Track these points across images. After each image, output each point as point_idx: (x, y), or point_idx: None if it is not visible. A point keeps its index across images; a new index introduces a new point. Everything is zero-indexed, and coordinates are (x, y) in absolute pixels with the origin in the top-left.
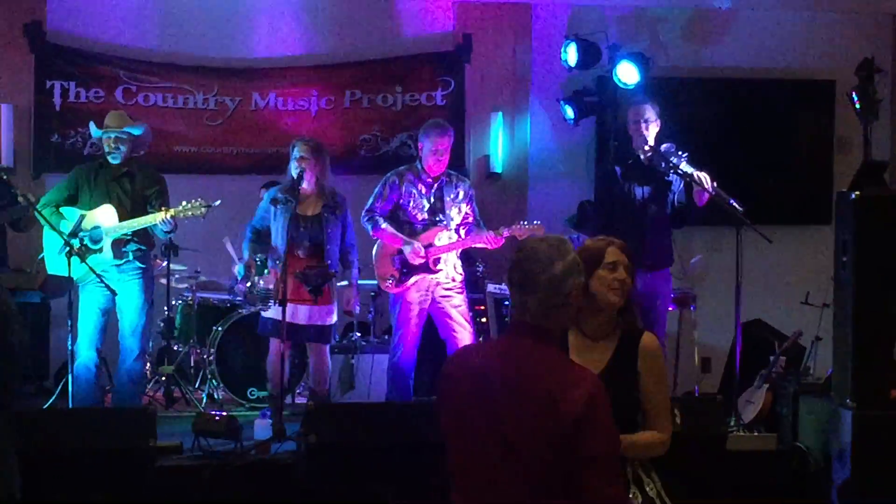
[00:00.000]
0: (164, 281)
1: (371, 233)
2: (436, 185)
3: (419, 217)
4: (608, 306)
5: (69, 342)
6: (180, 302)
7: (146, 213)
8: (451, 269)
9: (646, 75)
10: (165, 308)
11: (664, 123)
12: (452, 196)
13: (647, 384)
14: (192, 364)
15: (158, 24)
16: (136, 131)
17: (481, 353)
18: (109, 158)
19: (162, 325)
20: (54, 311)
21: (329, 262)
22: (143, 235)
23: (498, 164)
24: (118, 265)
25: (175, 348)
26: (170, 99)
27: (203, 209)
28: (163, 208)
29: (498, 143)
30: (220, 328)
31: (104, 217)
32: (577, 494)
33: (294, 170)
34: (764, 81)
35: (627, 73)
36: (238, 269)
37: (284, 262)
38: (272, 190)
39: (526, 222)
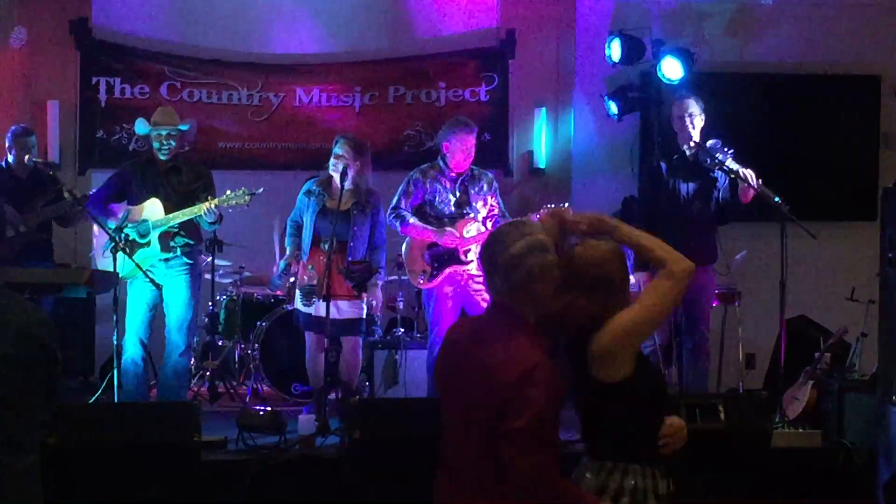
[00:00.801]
0: (208, 276)
1: (399, 230)
2: (460, 180)
3: (446, 211)
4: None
5: (115, 337)
6: (225, 297)
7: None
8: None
9: (690, 70)
10: (210, 303)
11: (708, 119)
12: (476, 189)
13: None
14: (237, 359)
15: (202, 20)
16: (185, 127)
17: (466, 325)
18: (159, 154)
19: (206, 320)
20: (99, 305)
21: (350, 258)
22: (191, 230)
23: (541, 160)
24: (166, 259)
25: (219, 343)
26: (214, 95)
27: (247, 197)
28: (208, 199)
29: (541, 139)
30: (264, 323)
31: (151, 211)
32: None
33: (332, 166)
34: (808, 77)
35: (671, 69)
36: (280, 264)
37: (329, 259)
38: (309, 182)
39: (552, 205)
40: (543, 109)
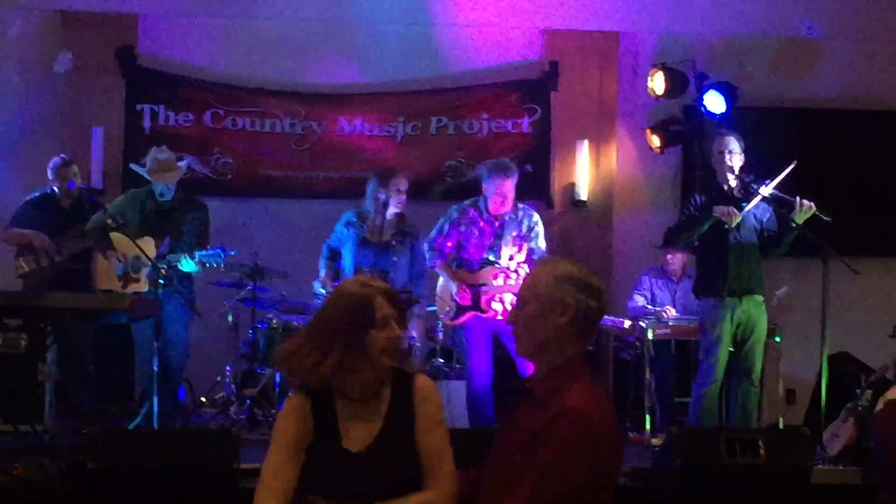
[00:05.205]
0: (249, 304)
1: (428, 264)
2: (497, 223)
3: (477, 256)
4: (382, 368)
5: (154, 364)
6: (265, 325)
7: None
8: (509, 307)
9: (733, 105)
10: (250, 331)
11: (751, 154)
12: (514, 234)
13: (423, 428)
14: (276, 387)
15: (247, 49)
16: (184, 165)
17: None
18: (161, 199)
19: (247, 348)
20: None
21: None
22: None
23: (583, 192)
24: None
25: (259, 371)
26: (258, 123)
27: (219, 260)
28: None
29: (583, 171)
30: None
31: (145, 247)
32: None
33: (396, 204)
34: (851, 112)
35: (714, 103)
36: (316, 285)
37: None
38: (349, 213)
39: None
40: (585, 142)
